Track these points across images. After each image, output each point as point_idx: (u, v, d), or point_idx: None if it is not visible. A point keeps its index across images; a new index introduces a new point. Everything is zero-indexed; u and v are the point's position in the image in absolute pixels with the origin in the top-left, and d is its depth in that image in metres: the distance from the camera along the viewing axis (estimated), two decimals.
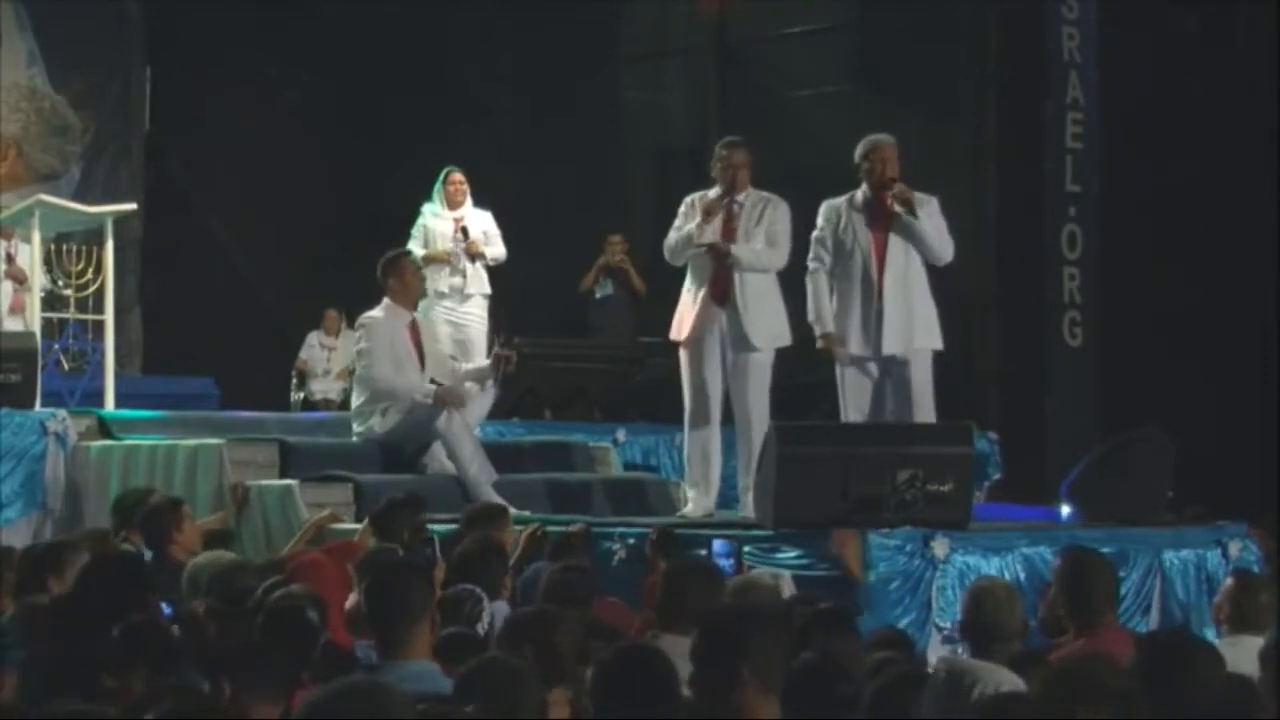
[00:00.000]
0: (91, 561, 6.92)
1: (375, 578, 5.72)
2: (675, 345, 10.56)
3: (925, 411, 10.05)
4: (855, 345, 10.12)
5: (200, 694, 5.09)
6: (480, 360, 11.71)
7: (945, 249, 10.22)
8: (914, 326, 10.09)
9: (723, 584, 6.66)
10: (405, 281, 10.97)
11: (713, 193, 10.34)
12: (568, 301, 15.56)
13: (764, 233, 10.24)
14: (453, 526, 8.89)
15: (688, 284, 10.41)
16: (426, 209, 13.39)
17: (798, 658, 5.19)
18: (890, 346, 10.05)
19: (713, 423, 10.35)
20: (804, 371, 13.93)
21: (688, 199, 10.45)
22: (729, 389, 10.31)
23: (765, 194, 10.39)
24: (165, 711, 4.49)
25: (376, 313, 10.95)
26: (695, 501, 10.36)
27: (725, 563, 7.75)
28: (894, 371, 10.12)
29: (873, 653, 6.04)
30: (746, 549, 8.63)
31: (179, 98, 18.06)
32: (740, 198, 10.29)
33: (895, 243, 10.10)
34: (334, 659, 5.86)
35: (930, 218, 10.17)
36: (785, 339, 10.39)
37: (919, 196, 10.17)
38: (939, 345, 10.26)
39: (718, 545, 8.01)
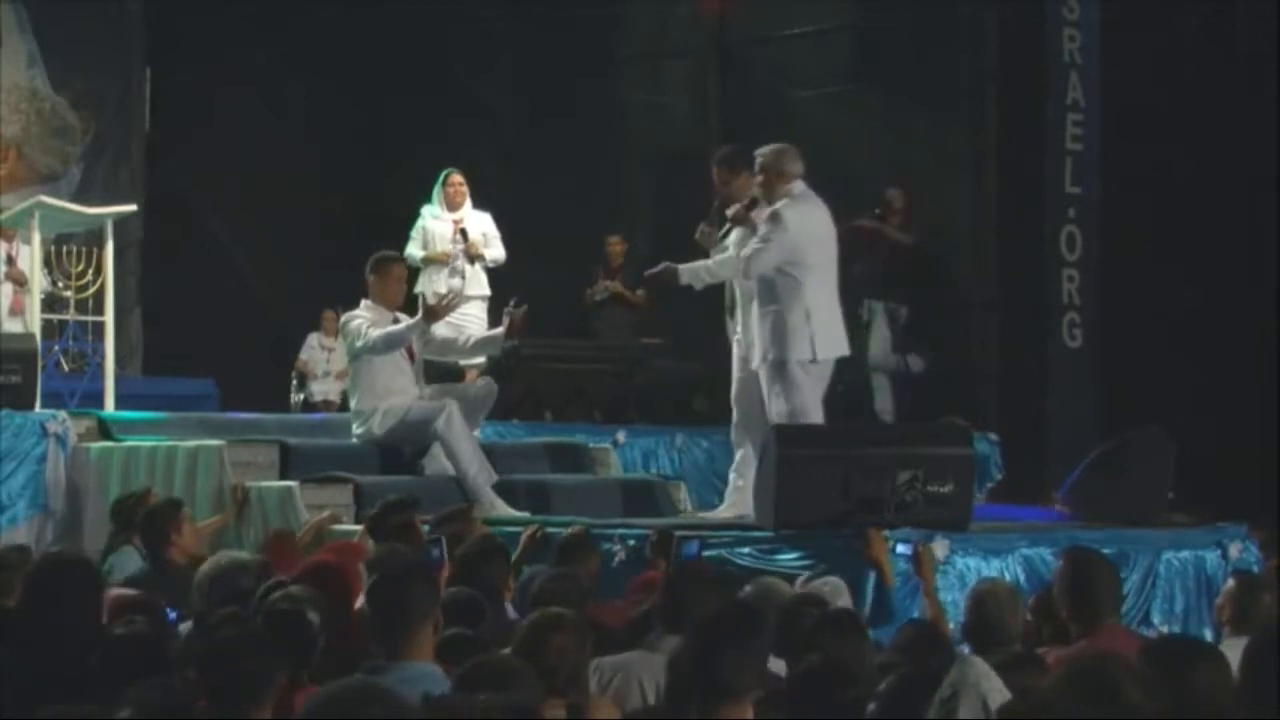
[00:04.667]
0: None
1: (376, 580, 5.72)
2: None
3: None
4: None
5: (183, 695, 5.10)
6: (489, 332, 11.74)
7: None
8: (762, 339, 9.99)
9: (721, 585, 6.67)
10: (385, 283, 10.94)
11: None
12: (568, 303, 15.55)
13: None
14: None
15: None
16: (426, 210, 13.40)
17: (801, 661, 5.17)
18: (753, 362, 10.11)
19: None
20: None
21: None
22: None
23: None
24: (156, 712, 4.49)
25: (358, 310, 10.96)
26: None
27: None
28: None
29: (902, 650, 6.06)
30: (745, 550, 8.64)
31: (179, 98, 18.07)
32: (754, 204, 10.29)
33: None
34: (336, 659, 5.85)
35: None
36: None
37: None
38: (801, 356, 9.92)
39: (689, 546, 8.01)
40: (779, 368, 9.90)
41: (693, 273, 10.58)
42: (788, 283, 9.90)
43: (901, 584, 8.25)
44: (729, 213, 10.26)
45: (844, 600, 7.10)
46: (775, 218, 9.93)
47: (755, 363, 10.06)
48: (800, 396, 9.89)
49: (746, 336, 10.21)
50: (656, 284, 10.66)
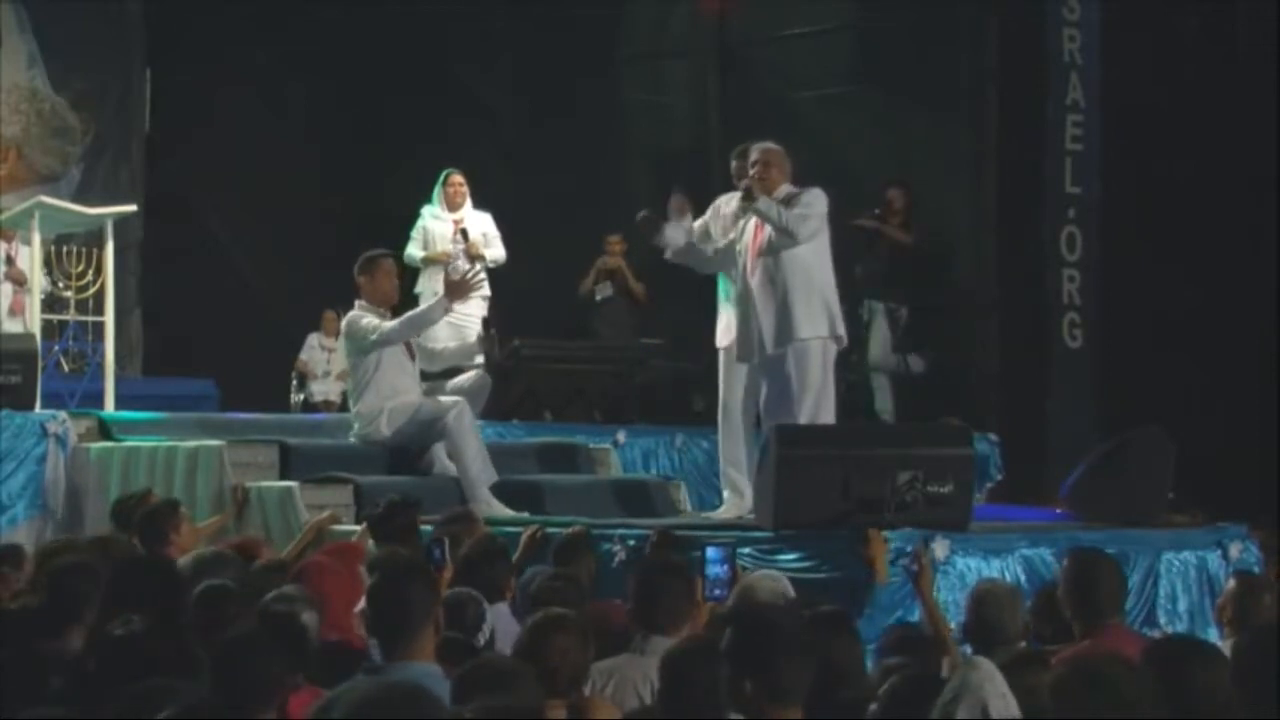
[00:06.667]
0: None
1: (376, 580, 5.72)
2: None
3: (810, 407, 9.98)
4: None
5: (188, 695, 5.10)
6: (466, 344, 11.74)
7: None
8: (784, 319, 10.02)
9: (693, 582, 6.68)
10: (376, 280, 10.94)
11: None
12: (568, 303, 15.55)
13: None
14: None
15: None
16: (426, 211, 13.40)
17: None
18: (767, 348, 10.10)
19: None
20: None
21: None
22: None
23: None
24: (152, 712, 4.48)
25: (356, 311, 10.95)
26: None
27: (720, 569, 7.71)
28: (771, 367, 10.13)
29: (891, 653, 6.05)
30: (745, 550, 8.62)
31: (179, 98, 18.08)
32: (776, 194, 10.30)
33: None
34: (336, 660, 5.85)
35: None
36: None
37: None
38: (839, 332, 10.12)
39: (711, 551, 7.99)
40: (806, 346, 9.93)
41: (680, 244, 10.54)
42: (821, 259, 10.00)
43: (903, 583, 8.25)
44: (741, 196, 10.23)
45: (787, 591, 7.17)
46: (811, 194, 10.08)
47: (770, 348, 10.03)
48: (827, 375, 9.96)
49: (748, 328, 10.15)
50: (644, 228, 10.64)
